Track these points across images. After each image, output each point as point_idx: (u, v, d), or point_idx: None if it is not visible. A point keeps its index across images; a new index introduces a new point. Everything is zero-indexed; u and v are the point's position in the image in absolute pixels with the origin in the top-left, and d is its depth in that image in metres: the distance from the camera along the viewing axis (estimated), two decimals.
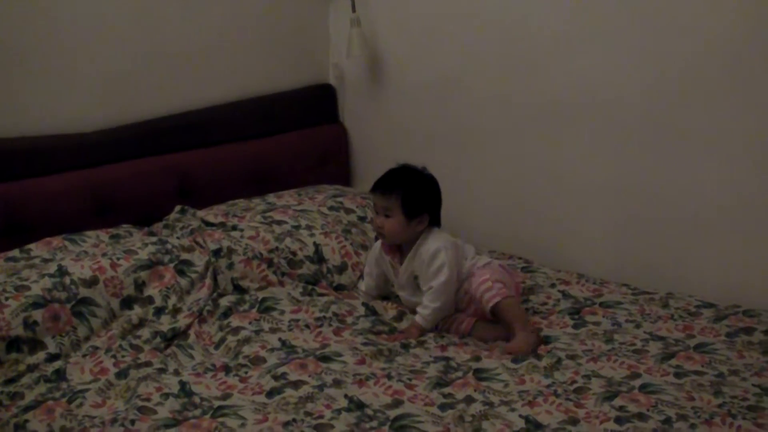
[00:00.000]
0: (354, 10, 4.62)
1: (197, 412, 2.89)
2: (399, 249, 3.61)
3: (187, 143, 4.40)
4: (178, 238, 3.83)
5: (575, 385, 3.03)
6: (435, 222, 3.57)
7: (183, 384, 3.05)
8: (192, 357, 3.29)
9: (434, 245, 3.48)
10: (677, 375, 3.10)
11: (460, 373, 3.13)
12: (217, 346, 3.36)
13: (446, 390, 3.01)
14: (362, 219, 4.20)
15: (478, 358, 3.24)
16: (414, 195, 3.49)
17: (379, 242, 3.69)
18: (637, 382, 3.05)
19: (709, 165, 3.76)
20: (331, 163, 4.89)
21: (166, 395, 2.98)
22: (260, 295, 3.65)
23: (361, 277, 3.90)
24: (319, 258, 3.89)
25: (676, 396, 2.94)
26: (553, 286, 3.88)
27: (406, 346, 3.35)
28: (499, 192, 4.44)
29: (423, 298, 3.49)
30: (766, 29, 3.52)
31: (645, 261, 4.02)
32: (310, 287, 3.77)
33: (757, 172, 3.65)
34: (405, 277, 3.58)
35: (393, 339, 3.40)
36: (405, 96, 4.70)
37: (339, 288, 3.88)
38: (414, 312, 3.54)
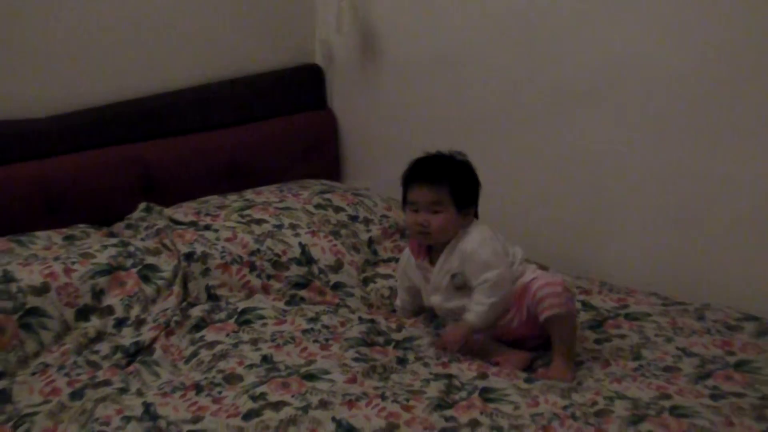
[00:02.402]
0: None
1: None
2: (428, 249, 3.56)
3: (154, 131, 4.43)
4: (142, 239, 3.86)
5: (596, 408, 3.03)
6: (476, 214, 3.53)
7: (147, 406, 3.05)
8: (158, 375, 3.29)
9: (479, 236, 3.44)
10: (714, 397, 3.10)
11: (464, 393, 3.12)
12: (187, 361, 3.36)
13: (448, 412, 3.00)
14: (353, 219, 4.22)
15: (485, 376, 3.24)
16: (465, 184, 3.45)
17: (407, 250, 3.67)
18: (668, 404, 3.04)
19: (759, 153, 3.74)
20: (317, 155, 4.91)
21: (128, 418, 2.97)
22: (239, 304, 3.66)
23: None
24: (307, 259, 3.91)
25: (712, 420, 2.93)
26: None
27: (403, 361, 3.35)
28: (508, 187, 4.43)
29: (475, 295, 3.41)
30: None
31: (679, 267, 4.04)
32: (299, 296, 3.80)
33: None
34: (440, 277, 3.51)
35: (439, 346, 3.41)
36: (403, 76, 4.72)
37: (336, 287, 3.90)
38: (452, 319, 3.52)
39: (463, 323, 3.41)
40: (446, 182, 3.39)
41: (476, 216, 3.53)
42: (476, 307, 3.39)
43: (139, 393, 3.16)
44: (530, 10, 4.23)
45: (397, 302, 3.81)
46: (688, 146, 3.93)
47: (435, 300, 3.55)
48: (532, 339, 3.46)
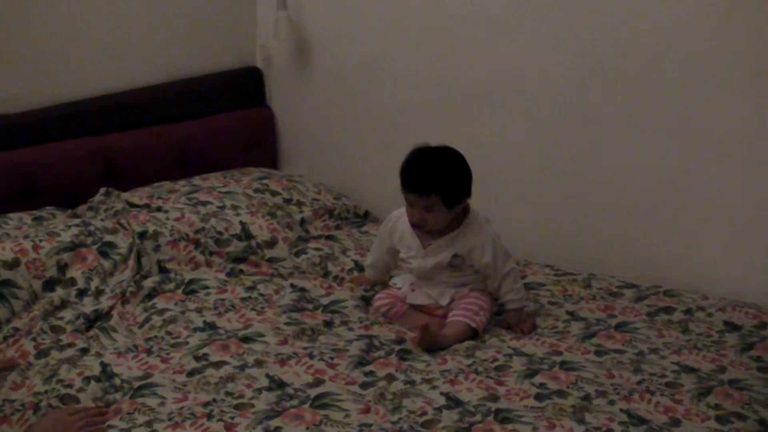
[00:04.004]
0: None
1: (118, 395, 2.87)
2: None
3: (113, 125, 4.34)
4: (102, 220, 3.81)
5: (496, 363, 3.05)
6: (469, 196, 3.36)
7: (104, 366, 3.01)
8: (114, 339, 3.25)
9: (488, 235, 3.35)
10: (598, 353, 3.13)
11: (382, 352, 3.13)
12: (141, 326, 3.33)
13: (368, 368, 3.01)
14: (288, 201, 4.17)
15: (402, 340, 3.23)
16: (453, 189, 3.24)
17: (400, 215, 3.44)
18: (559, 360, 3.08)
19: (633, 146, 3.81)
20: (258, 147, 4.85)
21: (88, 379, 2.94)
22: (186, 276, 3.63)
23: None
24: (246, 235, 3.87)
25: (596, 373, 2.98)
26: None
27: (329, 324, 3.33)
28: None
29: (507, 283, 3.35)
30: (692, 9, 3.56)
31: (569, 241, 4.06)
32: (238, 268, 3.75)
33: (680, 153, 3.69)
34: (439, 251, 3.34)
35: (524, 330, 3.33)
36: (333, 78, 4.67)
37: (271, 260, 3.85)
38: (422, 279, 3.42)
39: (517, 310, 3.39)
40: (434, 192, 3.20)
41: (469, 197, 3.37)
42: (518, 294, 3.38)
43: (98, 354, 3.11)
44: (442, 22, 4.23)
45: (368, 260, 3.67)
46: (565, 137, 3.99)
47: (421, 262, 3.37)
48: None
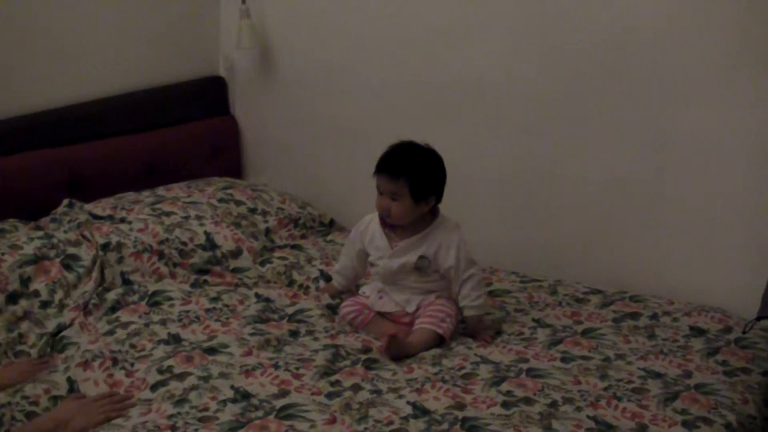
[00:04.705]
0: (243, 2, 4.58)
1: None
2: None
3: (77, 136, 4.29)
4: (65, 232, 3.76)
5: (463, 371, 3.04)
6: (439, 199, 3.39)
7: (72, 383, 3.01)
8: (78, 346, 3.22)
9: (455, 238, 3.34)
10: (564, 360, 3.14)
11: (348, 362, 3.11)
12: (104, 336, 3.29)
13: (333, 378, 2.99)
14: (252, 211, 4.15)
15: (368, 350, 3.22)
16: (422, 178, 3.29)
17: (373, 217, 3.47)
18: (525, 367, 3.07)
19: (598, 152, 3.83)
20: (222, 156, 4.83)
21: (54, 398, 2.94)
22: (150, 287, 3.59)
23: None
24: (211, 245, 3.85)
25: (562, 380, 2.98)
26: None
27: (295, 334, 3.30)
28: None
29: (465, 290, 3.34)
30: (653, 16, 3.60)
31: (535, 248, 4.07)
32: (202, 279, 3.72)
33: (645, 158, 3.72)
34: (406, 252, 3.36)
35: (483, 344, 3.30)
36: (296, 87, 4.67)
37: (236, 270, 3.83)
38: (390, 284, 3.41)
39: (475, 318, 3.36)
40: (403, 177, 3.26)
41: (440, 199, 3.39)
42: (477, 301, 3.35)
43: (66, 369, 3.09)
44: (406, 31, 4.24)
45: (335, 266, 3.66)
46: (530, 144, 4.02)
47: (387, 263, 3.38)
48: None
